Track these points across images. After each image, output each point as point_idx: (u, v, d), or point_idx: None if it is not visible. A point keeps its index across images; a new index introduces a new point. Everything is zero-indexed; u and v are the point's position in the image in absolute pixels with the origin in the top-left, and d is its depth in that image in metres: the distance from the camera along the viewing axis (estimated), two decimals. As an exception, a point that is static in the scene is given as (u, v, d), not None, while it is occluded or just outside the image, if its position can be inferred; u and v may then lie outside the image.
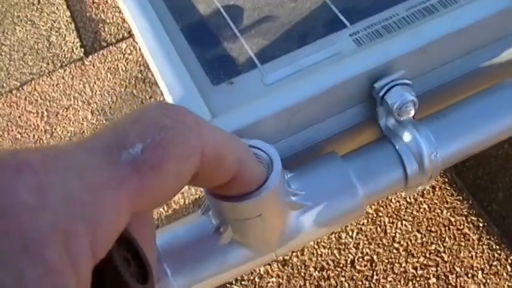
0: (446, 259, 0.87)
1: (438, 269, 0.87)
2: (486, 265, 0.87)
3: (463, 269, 0.87)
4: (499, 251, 0.87)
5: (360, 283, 0.88)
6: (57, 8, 1.43)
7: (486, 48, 0.71)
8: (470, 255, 0.88)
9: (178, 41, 0.75)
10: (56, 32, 1.42)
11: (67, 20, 1.40)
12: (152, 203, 0.32)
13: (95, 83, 1.26)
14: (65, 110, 1.21)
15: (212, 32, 0.76)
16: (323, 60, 0.70)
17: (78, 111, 1.19)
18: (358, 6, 0.74)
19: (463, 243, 0.88)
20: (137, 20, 0.76)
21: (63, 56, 1.38)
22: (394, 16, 0.72)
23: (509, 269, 0.86)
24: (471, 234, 0.89)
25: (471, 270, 0.87)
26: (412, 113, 0.66)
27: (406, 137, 0.67)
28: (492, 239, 0.89)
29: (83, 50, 1.37)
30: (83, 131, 1.15)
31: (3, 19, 1.46)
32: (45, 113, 1.22)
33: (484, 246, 0.88)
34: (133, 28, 0.78)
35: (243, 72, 0.71)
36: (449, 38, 0.68)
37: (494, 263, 0.87)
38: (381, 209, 0.92)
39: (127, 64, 1.26)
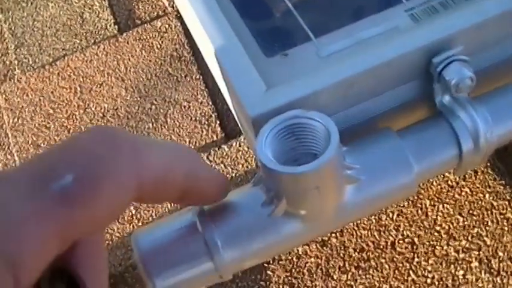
0: (488, 243, 0.86)
1: (481, 252, 0.86)
2: (530, 250, 0.86)
3: (506, 254, 0.86)
4: (542, 237, 0.86)
5: (401, 265, 0.88)
6: (90, -15, 1.42)
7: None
8: (513, 239, 0.87)
9: (229, 13, 0.74)
10: (89, 9, 1.41)
11: (100, -3, 1.40)
12: (84, 232, 0.31)
13: (129, 60, 1.25)
14: (99, 86, 1.20)
15: (264, 4, 0.75)
16: (379, 34, 0.69)
17: (112, 87, 1.19)
18: (414, -19, 0.73)
19: (506, 228, 0.87)
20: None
21: (96, 32, 1.38)
22: (450, -8, 0.71)
23: (552, 254, 0.85)
24: (514, 219, 0.88)
25: (514, 255, 0.86)
26: (470, 90, 0.65)
27: (463, 114, 0.66)
28: (535, 224, 0.87)
29: (116, 27, 1.36)
30: (117, 108, 1.14)
31: (36, -5, 1.46)
32: (79, 89, 1.22)
33: (527, 232, 0.87)
34: (183, 2, 0.78)
35: (298, 45, 0.70)
36: (508, 14, 0.67)
37: (538, 248, 0.86)
38: (422, 191, 0.91)
39: (162, 42, 1.25)
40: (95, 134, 0.32)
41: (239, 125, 0.82)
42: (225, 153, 1.05)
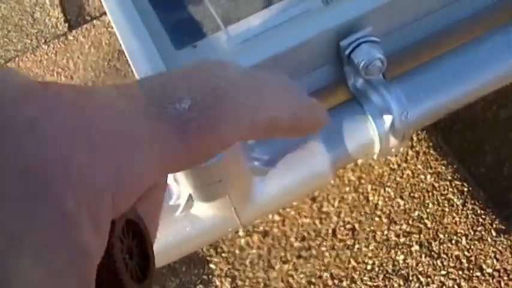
0: (429, 225, 0.85)
1: (421, 235, 0.85)
2: (470, 231, 0.85)
3: (446, 235, 0.84)
4: (483, 216, 0.85)
5: (341, 252, 0.86)
6: (40, -17, 1.41)
7: (455, 5, 0.68)
8: (454, 221, 0.85)
9: (141, 4, 0.72)
10: (40, 7, 1.40)
11: (51, -5, 1.38)
12: (187, 165, 0.29)
13: (78, 57, 1.24)
14: (48, 85, 1.19)
15: (176, -6, 0.73)
16: (290, 19, 0.67)
17: (61, 86, 1.17)
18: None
19: (446, 209, 0.86)
20: (100, -15, 0.74)
21: (47, 31, 1.36)
22: (363, -28, 0.69)
23: (494, 234, 0.83)
24: (455, 200, 0.86)
25: (455, 237, 0.84)
26: (381, 71, 0.63)
27: (375, 97, 0.65)
28: (477, 203, 0.86)
29: (67, 24, 1.35)
30: (66, 106, 1.13)
31: (-14, -3, 1.44)
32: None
33: (468, 212, 0.86)
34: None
35: (207, 35, 0.68)
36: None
37: (479, 229, 0.85)
38: (364, 175, 0.90)
39: (110, 38, 1.24)
40: (218, 66, 0.31)
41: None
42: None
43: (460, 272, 0.82)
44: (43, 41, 1.34)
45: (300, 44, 0.64)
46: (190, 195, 0.60)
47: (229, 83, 0.30)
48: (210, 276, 0.90)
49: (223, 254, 0.91)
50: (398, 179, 0.89)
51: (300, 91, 0.37)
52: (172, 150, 0.27)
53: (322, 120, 0.44)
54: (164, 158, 0.27)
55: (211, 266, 0.91)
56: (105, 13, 1.32)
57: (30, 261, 0.21)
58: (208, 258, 0.92)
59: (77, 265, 0.23)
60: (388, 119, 0.64)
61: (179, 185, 0.60)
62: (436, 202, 0.86)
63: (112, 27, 1.24)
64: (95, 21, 1.31)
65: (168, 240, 0.62)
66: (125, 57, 1.19)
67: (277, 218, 0.90)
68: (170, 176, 0.62)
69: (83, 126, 0.24)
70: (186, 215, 0.61)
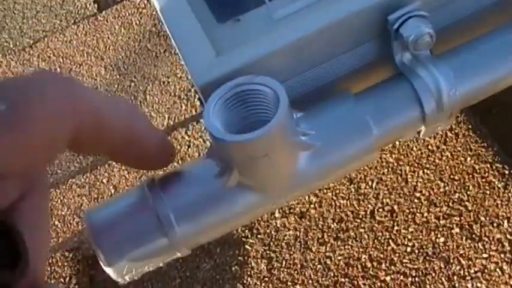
0: (470, 208, 0.83)
1: (462, 218, 0.83)
2: (512, 213, 0.83)
3: (487, 218, 0.83)
4: (526, 199, 0.83)
5: (380, 234, 0.85)
6: (70, -38, 1.40)
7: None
8: (495, 203, 0.84)
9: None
10: (69, -14, 1.39)
11: (80, -25, 1.37)
12: (20, 164, 0.30)
13: (109, 38, 1.23)
14: (78, 66, 1.18)
15: (218, -32, 0.72)
16: (334, -6, 0.66)
17: (92, 67, 1.17)
18: None
19: (487, 192, 0.84)
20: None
21: (76, 12, 1.35)
22: None
23: (536, 216, 0.81)
24: (496, 182, 0.85)
25: (496, 220, 0.83)
26: (429, 46, 0.62)
27: (424, 73, 0.63)
28: (519, 186, 0.84)
29: (96, 5, 1.34)
30: (96, 87, 1.12)
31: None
32: (58, 70, 1.20)
33: (510, 194, 0.84)
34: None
35: (250, 9, 0.67)
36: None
37: (521, 212, 0.83)
38: (402, 157, 0.88)
39: (141, 18, 1.23)
40: (31, 73, 0.32)
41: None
42: (203, 128, 1.03)
43: (502, 255, 0.80)
44: (72, 21, 1.33)
45: (346, 18, 0.62)
46: (235, 170, 0.59)
47: (44, 79, 0.31)
48: (246, 258, 0.89)
49: (259, 236, 0.90)
50: (437, 160, 0.88)
51: (134, 109, 0.39)
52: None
53: (162, 144, 0.45)
54: None
55: (247, 247, 0.90)
56: (135, -6, 1.31)
57: None
58: (243, 239, 0.90)
59: None
60: (436, 95, 0.62)
61: (222, 159, 0.58)
62: (476, 184, 0.85)
63: (143, 8, 1.23)
64: (124, 1, 1.30)
65: (213, 215, 0.61)
66: (156, 38, 1.18)
67: (314, 199, 0.88)
68: (215, 151, 0.60)
69: None
70: (231, 190, 0.60)
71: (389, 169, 0.89)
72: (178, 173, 0.62)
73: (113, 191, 0.97)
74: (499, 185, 0.84)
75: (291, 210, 0.90)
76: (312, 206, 0.89)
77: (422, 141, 0.90)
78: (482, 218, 0.83)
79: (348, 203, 0.88)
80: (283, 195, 0.61)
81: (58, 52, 1.26)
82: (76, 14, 1.34)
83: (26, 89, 0.30)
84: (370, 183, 0.88)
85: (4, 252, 0.30)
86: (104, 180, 1.00)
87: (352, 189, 0.89)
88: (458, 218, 0.84)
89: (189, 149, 1.00)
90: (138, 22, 1.24)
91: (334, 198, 0.88)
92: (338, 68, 0.65)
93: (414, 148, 0.90)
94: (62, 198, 0.98)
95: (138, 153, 0.43)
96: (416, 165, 0.88)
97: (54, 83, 0.31)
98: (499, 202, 0.84)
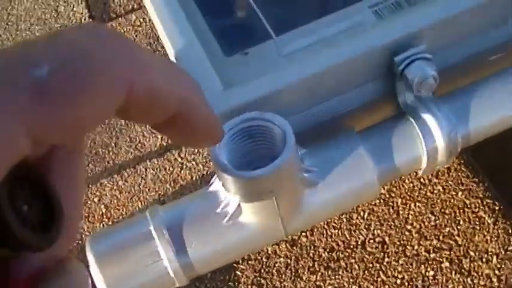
0: (460, 242, 0.85)
1: (451, 252, 0.85)
2: (501, 250, 0.85)
3: (477, 253, 0.84)
4: (515, 236, 0.85)
5: (371, 265, 0.86)
6: (65, -22, 1.40)
7: (506, 24, 0.68)
8: (485, 239, 0.85)
9: (190, 10, 0.72)
10: (64, 2, 1.39)
11: (76, -9, 1.38)
12: (62, 132, 0.27)
13: (103, 55, 1.23)
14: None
15: (226, 1, 0.73)
16: (341, 32, 0.67)
17: (85, 83, 1.17)
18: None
19: (477, 227, 0.86)
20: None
21: (71, 26, 1.35)
22: (415, -12, 0.69)
23: (525, 254, 0.83)
24: (486, 218, 0.86)
25: (486, 255, 0.84)
26: (433, 88, 0.63)
27: (426, 114, 0.64)
28: (508, 223, 0.86)
29: (91, 21, 1.34)
30: (90, 103, 1.12)
31: (11, -12, 1.44)
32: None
33: (499, 231, 0.86)
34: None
35: (258, 43, 0.68)
36: (471, 12, 0.65)
37: (510, 248, 0.85)
38: (394, 189, 0.90)
39: (136, 36, 1.23)
40: (88, 28, 0.28)
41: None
42: (196, 151, 1.04)
43: (491, 291, 0.82)
44: (66, 36, 1.33)
45: (353, 59, 0.64)
46: (239, 204, 0.59)
47: (101, 45, 0.28)
48: (236, 284, 0.90)
49: (249, 262, 0.90)
50: (429, 194, 0.89)
51: (198, 85, 0.35)
52: (34, 118, 0.26)
53: (215, 131, 0.42)
54: (27, 125, 0.25)
55: (238, 273, 0.90)
56: (130, 11, 1.31)
57: None
58: (234, 265, 0.91)
59: None
60: (437, 136, 0.64)
61: (229, 193, 0.59)
62: (467, 219, 0.86)
63: (138, 26, 1.24)
64: (120, 18, 1.31)
65: (214, 247, 0.61)
66: (151, 56, 1.19)
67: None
68: (219, 184, 0.61)
69: None
70: (234, 223, 0.61)
71: (381, 201, 0.90)
72: (181, 206, 0.63)
73: (104, 210, 0.97)
74: (489, 221, 0.86)
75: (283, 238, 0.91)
76: (304, 234, 0.90)
77: (414, 174, 0.91)
78: (472, 253, 0.84)
79: (340, 232, 0.89)
80: (286, 230, 0.62)
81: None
82: (70, 29, 1.35)
83: (78, 53, 0.27)
84: (361, 213, 0.90)
85: (37, 211, 0.28)
86: (96, 200, 1.00)
87: (344, 219, 0.90)
88: (448, 252, 0.85)
89: (182, 171, 1.00)
90: (133, 39, 1.24)
91: (326, 227, 0.90)
92: (343, 105, 0.67)
93: (406, 181, 0.91)
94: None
95: (188, 130, 0.39)
96: (408, 197, 0.90)
97: (112, 45, 0.28)
98: (488, 238, 0.85)
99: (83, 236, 0.96)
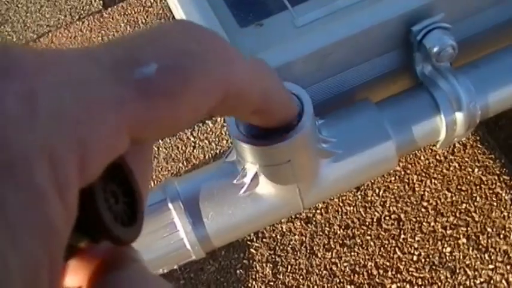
0: (477, 219, 0.84)
1: (468, 229, 0.84)
2: (519, 226, 0.84)
3: (494, 230, 0.83)
4: (532, 212, 0.84)
5: (387, 242, 0.85)
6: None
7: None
8: (502, 215, 0.84)
9: (204, -19, 0.71)
10: (73, -18, 1.38)
11: (86, -28, 1.37)
12: (158, 132, 0.28)
13: (114, 35, 1.23)
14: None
15: (239, -28, 0.72)
16: (357, 2, 0.66)
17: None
18: None
19: (494, 203, 0.85)
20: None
21: (81, 8, 1.35)
22: (433, -43, 0.68)
23: (543, 230, 0.82)
24: (503, 194, 0.85)
25: (503, 231, 0.83)
26: (452, 58, 0.62)
27: (444, 85, 0.63)
28: (526, 199, 0.85)
29: (101, 2, 1.33)
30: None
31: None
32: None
33: (517, 207, 0.84)
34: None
35: (273, 14, 0.67)
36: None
37: (528, 224, 0.83)
38: (409, 166, 0.89)
39: (147, 17, 1.23)
40: (189, 29, 0.29)
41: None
42: (209, 129, 1.03)
43: (508, 267, 0.81)
44: (77, 17, 1.32)
45: (370, 29, 0.63)
46: (255, 174, 0.59)
47: (203, 46, 0.29)
48: (251, 261, 0.89)
49: (264, 239, 0.90)
50: (445, 171, 0.88)
51: (275, 74, 0.36)
52: (138, 115, 0.26)
53: (291, 111, 0.43)
54: (131, 122, 0.26)
55: (252, 250, 0.90)
56: (141, -8, 1.30)
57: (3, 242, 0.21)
58: (249, 243, 0.91)
59: (47, 242, 0.22)
60: (456, 107, 0.63)
61: (245, 163, 0.59)
62: (484, 196, 0.85)
63: (149, 6, 1.23)
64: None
65: (230, 219, 0.61)
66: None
67: (320, 205, 0.89)
68: (235, 155, 0.61)
69: (45, 93, 0.24)
70: (251, 195, 0.60)
71: (397, 177, 0.89)
72: (198, 177, 0.62)
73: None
74: (506, 197, 0.85)
75: (297, 216, 0.90)
76: (318, 211, 0.89)
77: (430, 150, 0.90)
78: (489, 229, 0.84)
79: (355, 209, 0.88)
80: (303, 201, 0.61)
81: (62, 47, 1.26)
82: (81, 10, 1.34)
83: (184, 53, 0.28)
84: (377, 190, 0.89)
85: (122, 205, 0.29)
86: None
87: (359, 197, 0.89)
88: (465, 229, 0.84)
89: (195, 150, 1.00)
90: (144, 20, 1.23)
91: (341, 204, 0.89)
92: (359, 76, 0.66)
93: (422, 157, 0.91)
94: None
95: (268, 116, 0.41)
96: (423, 174, 0.89)
97: (209, 44, 0.29)
98: (505, 214, 0.84)
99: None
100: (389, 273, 0.84)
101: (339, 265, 0.85)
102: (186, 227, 0.59)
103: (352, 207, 0.89)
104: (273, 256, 0.89)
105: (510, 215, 0.84)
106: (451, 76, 0.63)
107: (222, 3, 0.69)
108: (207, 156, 1.01)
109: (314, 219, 0.89)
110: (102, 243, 0.28)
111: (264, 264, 0.88)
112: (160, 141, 1.04)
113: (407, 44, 0.65)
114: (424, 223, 0.86)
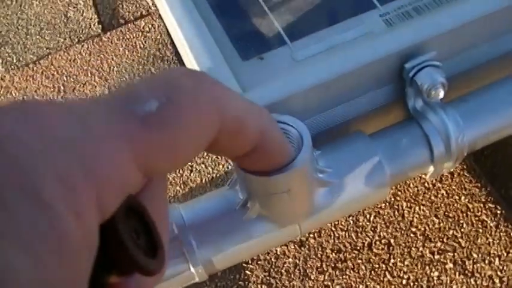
0: (463, 245, 0.87)
1: (455, 254, 0.87)
2: (503, 252, 0.87)
3: (480, 255, 0.87)
4: (516, 239, 0.87)
5: (377, 266, 0.89)
6: (75, -16, 1.43)
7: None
8: (487, 241, 0.88)
9: (206, 14, 0.75)
10: (74, 7, 1.42)
11: (85, -4, 1.40)
12: (163, 164, 0.30)
13: (113, 59, 1.26)
14: (82, 85, 1.21)
15: (241, 7, 0.76)
16: (353, 39, 0.70)
17: (95, 87, 1.20)
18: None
19: (480, 230, 0.88)
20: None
21: (80, 31, 1.38)
22: (424, -2, 0.72)
23: (526, 256, 0.86)
24: (488, 221, 0.89)
25: (488, 257, 0.87)
26: (442, 95, 0.66)
27: (434, 118, 0.67)
28: (510, 226, 0.89)
29: (100, 26, 1.37)
30: (100, 107, 1.14)
31: (20, -7, 1.46)
32: (62, 88, 1.22)
33: (501, 234, 0.88)
34: (162, 2, 0.78)
35: (273, 48, 0.71)
36: (479, 21, 0.68)
37: (512, 250, 0.87)
38: (399, 193, 0.92)
39: (145, 42, 1.26)
40: (183, 70, 0.32)
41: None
42: (205, 154, 1.06)
43: (493, 292, 0.84)
44: (76, 40, 1.36)
45: (364, 65, 0.66)
46: (257, 202, 0.62)
47: (196, 83, 0.31)
48: (246, 283, 0.92)
49: (259, 262, 0.93)
50: (433, 198, 0.92)
51: (272, 117, 0.39)
52: (142, 147, 0.28)
53: (287, 152, 0.45)
54: (136, 154, 0.28)
55: (248, 272, 0.93)
56: (139, 17, 1.34)
57: (19, 258, 0.22)
58: (244, 265, 0.94)
59: (63, 256, 0.24)
60: (445, 140, 0.67)
61: (246, 191, 0.62)
62: (470, 223, 0.89)
63: (147, 32, 1.26)
64: (129, 24, 1.33)
65: (233, 243, 0.64)
66: (160, 62, 1.21)
67: (313, 229, 0.92)
68: (237, 183, 0.64)
69: (56, 127, 0.26)
70: (252, 221, 0.63)
71: (387, 204, 0.93)
72: (201, 203, 0.66)
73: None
74: (491, 224, 0.89)
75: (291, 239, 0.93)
76: (312, 235, 0.93)
77: (419, 178, 0.94)
78: (475, 255, 0.87)
79: (347, 234, 0.92)
80: (300, 228, 0.65)
81: (62, 70, 1.29)
82: (80, 34, 1.37)
83: (179, 89, 0.30)
84: (368, 216, 0.92)
85: (143, 240, 0.30)
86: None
87: (351, 222, 0.92)
88: (452, 254, 0.88)
89: (191, 174, 1.03)
90: (142, 45, 1.27)
91: (333, 229, 0.92)
92: (354, 109, 0.69)
93: (411, 185, 0.94)
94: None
95: (264, 157, 0.42)
96: (412, 201, 0.92)
97: (206, 87, 0.32)
98: (490, 240, 0.88)
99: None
100: (380, 296, 0.87)
101: (331, 287, 0.89)
102: (191, 252, 0.62)
103: (344, 232, 0.92)
104: (268, 278, 0.92)
105: (495, 241, 0.87)
106: (441, 110, 0.67)
107: (225, 36, 0.73)
108: (203, 180, 1.04)
109: (307, 242, 0.92)
110: (130, 277, 0.30)
111: (259, 286, 0.91)
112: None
113: (400, 80, 0.68)
114: (413, 248, 0.89)
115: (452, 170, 0.89)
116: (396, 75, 0.68)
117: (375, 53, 0.66)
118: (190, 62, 0.71)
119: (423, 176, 0.95)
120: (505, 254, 0.87)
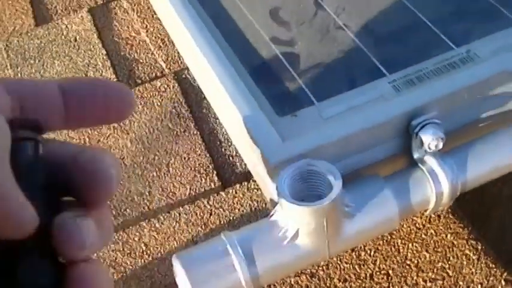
0: (451, 274, 1.02)
1: (444, 282, 1.02)
2: (484, 280, 1.02)
3: (465, 283, 1.02)
4: (494, 269, 1.03)
5: (378, 293, 1.03)
6: (93, 47, 1.57)
7: (499, 96, 0.89)
8: (471, 271, 1.03)
9: (247, 80, 0.91)
10: (93, 67, 1.56)
11: (103, 58, 1.55)
12: None
13: (133, 115, 1.39)
14: (106, 137, 1.34)
15: (275, 73, 0.93)
16: (368, 101, 0.87)
17: (118, 139, 1.33)
18: (395, 59, 0.91)
19: (465, 262, 1.03)
20: (211, 60, 0.93)
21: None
22: (424, 69, 0.89)
23: (503, 283, 1.01)
24: (471, 255, 1.04)
25: (472, 284, 1.02)
26: (440, 146, 0.82)
27: (434, 165, 0.83)
28: (489, 259, 1.04)
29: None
30: (123, 157, 1.28)
31: (42, 53, 1.59)
32: (87, 140, 1.35)
33: (482, 265, 1.03)
34: (204, 63, 0.94)
35: (304, 107, 0.87)
36: (472, 87, 0.85)
37: (491, 278, 1.02)
38: (394, 232, 1.08)
39: (161, 100, 1.40)
40: None
41: (252, 172, 0.99)
42: (223, 199, 1.20)
43: (477, 316, 0.99)
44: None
45: (378, 123, 0.83)
46: (297, 230, 0.77)
47: None
48: (264, 308, 1.06)
49: (275, 290, 1.07)
50: (423, 236, 1.07)
51: None
52: None
53: None
54: None
55: (266, 299, 1.07)
56: (155, 78, 1.49)
57: None
58: (262, 292, 1.08)
59: None
60: (443, 183, 0.83)
61: (288, 220, 0.77)
62: (456, 256, 1.04)
63: (163, 91, 1.41)
64: (146, 84, 1.48)
65: (276, 263, 0.79)
66: (177, 118, 1.37)
67: (322, 262, 1.06)
68: (278, 215, 0.79)
69: None
70: (291, 245, 0.78)
71: (384, 241, 1.08)
72: (249, 230, 0.81)
73: (144, 247, 1.13)
74: (474, 257, 1.04)
75: (303, 271, 1.07)
76: (320, 268, 1.07)
77: (411, 220, 1.10)
78: (461, 283, 1.02)
79: (351, 266, 1.06)
80: (330, 251, 0.80)
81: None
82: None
83: None
84: (368, 251, 1.07)
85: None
86: (136, 238, 1.15)
87: (354, 256, 1.07)
88: (441, 282, 1.03)
89: (211, 217, 1.17)
90: (159, 103, 1.41)
91: (339, 262, 1.07)
92: (370, 157, 0.86)
93: (404, 225, 1.09)
94: (98, 252, 1.13)
95: None
96: (406, 238, 1.08)
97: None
98: (473, 270, 1.03)
99: (126, 269, 1.12)
100: (381, 317, 1.02)
101: (339, 312, 1.03)
102: (243, 269, 0.77)
103: (348, 264, 1.07)
104: (283, 305, 1.06)
105: (477, 271, 1.03)
106: (440, 159, 0.83)
107: (261, 97, 0.89)
108: (221, 222, 1.18)
109: (317, 274, 1.06)
110: None
111: (275, 312, 1.05)
112: (180, 208, 1.20)
113: (406, 134, 0.85)
114: (408, 277, 1.04)
115: (438, 212, 1.05)
116: (403, 131, 0.84)
117: (386, 113, 0.83)
118: (236, 117, 0.87)
119: (414, 218, 1.10)
120: (486, 282, 1.02)
